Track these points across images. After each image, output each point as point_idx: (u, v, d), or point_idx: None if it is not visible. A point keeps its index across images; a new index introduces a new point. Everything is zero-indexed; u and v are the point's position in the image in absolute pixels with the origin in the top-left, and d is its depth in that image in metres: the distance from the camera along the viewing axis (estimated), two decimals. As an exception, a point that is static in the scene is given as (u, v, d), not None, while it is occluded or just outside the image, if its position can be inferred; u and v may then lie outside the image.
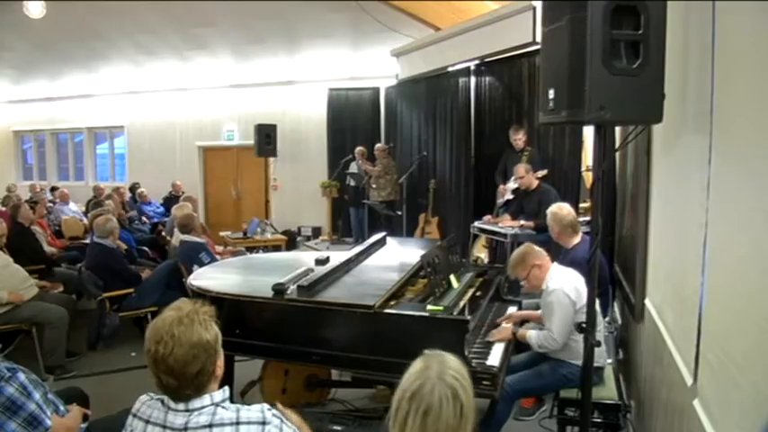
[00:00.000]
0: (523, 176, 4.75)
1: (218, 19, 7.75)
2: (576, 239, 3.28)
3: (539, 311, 2.97)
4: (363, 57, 8.31)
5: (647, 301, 2.66)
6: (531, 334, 2.70)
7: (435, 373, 1.25)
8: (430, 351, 1.32)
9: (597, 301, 2.66)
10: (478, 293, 2.93)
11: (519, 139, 5.42)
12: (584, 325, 2.11)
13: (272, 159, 8.68)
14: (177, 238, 4.85)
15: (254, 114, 9.12)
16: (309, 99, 9.08)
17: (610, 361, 2.98)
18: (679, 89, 1.96)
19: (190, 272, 3.88)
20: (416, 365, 1.28)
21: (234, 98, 9.54)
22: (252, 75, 9.09)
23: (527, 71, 5.67)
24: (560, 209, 3.33)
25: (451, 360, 1.30)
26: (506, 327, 2.82)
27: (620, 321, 3.63)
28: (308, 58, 8.53)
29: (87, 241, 5.80)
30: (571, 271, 2.73)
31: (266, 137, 8.04)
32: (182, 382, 1.35)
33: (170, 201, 8.74)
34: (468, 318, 2.41)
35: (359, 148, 7.76)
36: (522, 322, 3.01)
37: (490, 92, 6.26)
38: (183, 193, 8.96)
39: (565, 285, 2.62)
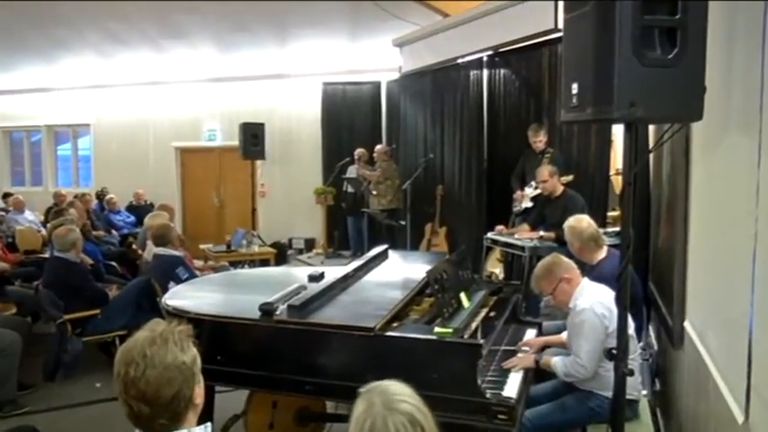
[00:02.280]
0: (547, 180, 4.75)
1: (199, 4, 7.82)
2: (601, 254, 3.29)
3: (562, 335, 2.95)
4: (362, 47, 8.36)
5: (686, 324, 2.64)
6: (557, 361, 2.69)
7: (381, 406, 1.26)
8: (365, 386, 1.33)
9: (632, 325, 2.66)
10: (492, 314, 2.93)
11: (539, 141, 5.43)
12: (614, 351, 2.09)
13: (259, 162, 8.71)
14: (150, 251, 4.85)
15: (238, 112, 9.16)
16: (302, 95, 9.13)
17: (645, 393, 2.96)
18: (722, 82, 1.97)
19: (165, 290, 3.88)
20: (359, 407, 1.29)
21: (216, 93, 9.59)
22: (236, 67, 9.15)
23: (547, 62, 5.69)
24: (578, 221, 3.34)
25: (393, 386, 1.32)
26: (527, 354, 2.80)
27: (656, 347, 3.61)
28: (299, 49, 8.59)
29: (46, 255, 5.81)
30: (603, 288, 2.72)
31: (253, 137, 8.08)
32: (155, 409, 1.35)
33: (135, 211, 8.77)
34: (481, 341, 2.39)
35: (358, 150, 7.78)
36: (543, 349, 3.00)
37: (505, 86, 6.29)
38: (146, 201, 8.99)
39: (596, 304, 2.62)
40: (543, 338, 3.06)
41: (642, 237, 3.97)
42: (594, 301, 2.63)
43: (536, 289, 2.87)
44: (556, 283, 2.75)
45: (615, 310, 2.46)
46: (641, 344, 3.27)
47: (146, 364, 1.35)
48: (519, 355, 2.82)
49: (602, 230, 3.55)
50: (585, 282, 2.80)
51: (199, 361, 1.43)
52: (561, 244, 4.32)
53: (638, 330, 3.19)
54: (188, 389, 1.38)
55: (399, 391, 1.30)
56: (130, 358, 1.36)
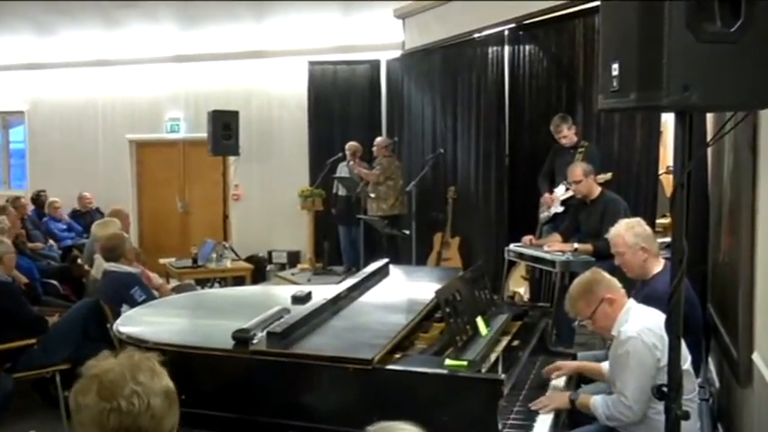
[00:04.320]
0: (581, 181, 4.77)
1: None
2: (658, 267, 3.29)
3: (603, 364, 2.95)
4: (357, 19, 8.40)
5: (755, 356, 2.64)
6: (597, 401, 2.69)
7: None
8: (371, 428, 1.37)
9: (688, 358, 2.66)
10: (516, 343, 2.94)
11: (563, 136, 5.44)
12: (665, 389, 2.10)
13: (232, 159, 8.72)
14: (99, 267, 4.85)
15: (207, 97, 9.17)
16: (284, 77, 9.15)
17: (704, 440, 2.96)
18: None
19: (117, 314, 3.87)
20: None
21: (180, 75, 9.61)
22: (205, 44, 9.18)
23: (582, 37, 5.72)
24: (630, 227, 3.34)
25: (398, 428, 1.36)
26: (559, 392, 2.80)
27: (717, 384, 3.60)
28: (281, 23, 8.62)
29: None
30: (654, 312, 2.72)
31: (224, 128, 8.09)
32: None
33: (80, 218, 8.76)
34: (503, 377, 2.40)
35: (352, 144, 7.80)
36: (579, 382, 3.00)
37: (531, 66, 6.31)
38: (92, 207, 8.99)
39: (645, 332, 2.61)
40: (577, 363, 3.05)
41: (698, 249, 3.97)
42: (643, 327, 2.63)
43: (571, 312, 2.87)
44: (596, 305, 2.75)
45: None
46: (699, 380, 3.27)
47: (147, 393, 1.40)
48: (549, 392, 2.82)
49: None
50: (632, 303, 2.80)
51: None
52: (599, 258, 4.34)
53: (696, 364, 3.19)
54: (177, 423, 1.46)
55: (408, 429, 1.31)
56: (119, 390, 1.39)
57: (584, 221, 4.88)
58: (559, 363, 3.00)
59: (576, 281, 2.87)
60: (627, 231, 3.30)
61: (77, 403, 1.42)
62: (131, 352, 1.51)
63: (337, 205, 8.02)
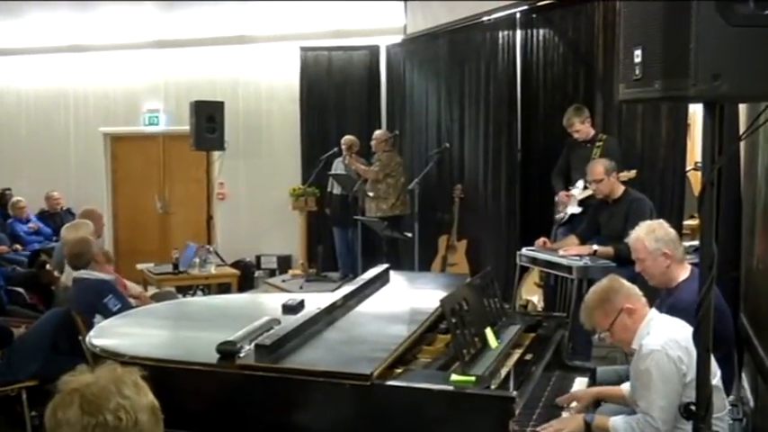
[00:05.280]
0: (602, 179, 4.77)
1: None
2: (684, 273, 3.28)
3: (623, 386, 2.95)
4: (354, 1, 8.41)
5: (791, 371, 2.64)
6: (617, 422, 2.68)
7: None
8: None
9: (717, 373, 2.66)
10: (529, 357, 2.93)
11: (577, 130, 5.45)
12: (692, 407, 2.10)
13: (216, 154, 8.71)
14: (70, 274, 4.85)
15: (189, 87, 9.18)
16: (273, 64, 9.16)
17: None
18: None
19: (90, 326, 3.87)
20: None
21: (159, 62, 9.61)
22: (187, 28, 9.18)
23: (602, 21, 5.73)
24: (652, 230, 3.34)
25: None
26: (573, 414, 2.80)
27: (751, 402, 3.61)
28: (270, 5, 8.63)
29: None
30: (678, 322, 2.73)
31: (209, 120, 8.09)
32: None
33: (49, 220, 8.74)
34: (514, 394, 2.40)
35: (348, 138, 7.80)
36: (597, 403, 2.99)
37: (545, 52, 6.32)
38: (61, 207, 8.97)
39: (670, 344, 2.61)
40: (596, 389, 3.05)
41: (730, 254, 3.97)
42: (668, 339, 2.63)
43: (587, 323, 2.87)
44: (614, 316, 2.75)
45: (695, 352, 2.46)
46: (731, 398, 3.27)
47: (134, 408, 1.42)
48: (564, 413, 2.81)
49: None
50: (654, 314, 2.80)
51: None
52: (620, 263, 4.34)
53: (728, 380, 3.19)
54: None
55: None
56: (105, 404, 1.41)
57: (604, 223, 4.88)
58: (577, 392, 2.98)
59: (592, 289, 2.87)
60: (647, 235, 3.29)
61: (56, 420, 1.43)
62: (112, 365, 1.53)
63: (332, 205, 8.02)
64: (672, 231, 3.31)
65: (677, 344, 2.61)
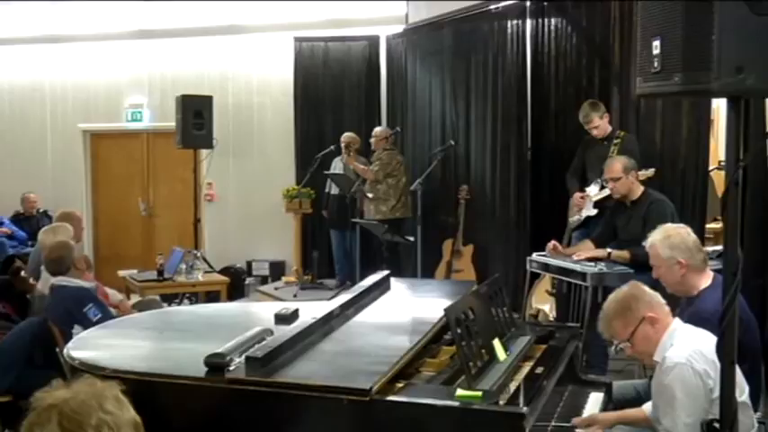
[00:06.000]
0: (620, 178, 4.76)
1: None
2: (705, 281, 3.28)
3: (645, 407, 2.94)
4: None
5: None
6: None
7: None
8: None
9: (746, 389, 2.65)
10: (540, 370, 2.91)
11: (595, 126, 5.46)
12: (716, 425, 2.09)
13: (204, 153, 8.69)
14: (47, 281, 4.85)
15: (175, 81, 9.18)
16: (266, 56, 9.16)
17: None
18: None
19: (68, 337, 3.86)
20: None
21: (143, 54, 9.61)
22: (172, 17, 9.18)
23: (618, 10, 5.74)
24: (669, 233, 3.34)
25: None
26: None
27: (778, 418, 3.59)
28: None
29: None
30: (704, 333, 2.72)
31: (196, 116, 8.07)
32: None
33: (24, 223, 8.73)
34: (524, 410, 2.38)
35: (347, 135, 7.80)
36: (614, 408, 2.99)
37: (557, 44, 6.32)
38: (37, 210, 8.95)
39: (695, 356, 2.61)
40: (617, 414, 3.02)
41: (756, 259, 3.97)
42: (693, 351, 2.62)
43: (605, 333, 2.87)
44: (635, 325, 2.75)
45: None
46: (759, 415, 3.26)
47: (117, 424, 1.45)
48: (578, 431, 2.81)
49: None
50: (677, 324, 2.80)
51: None
52: (639, 269, 4.33)
53: (754, 395, 3.18)
54: None
55: None
56: (87, 418, 1.43)
57: (622, 227, 4.87)
58: (596, 416, 2.95)
59: (612, 296, 2.86)
60: (662, 242, 3.29)
61: None
62: (91, 379, 1.54)
63: (329, 207, 8.02)
64: (690, 238, 3.28)
65: (703, 356, 2.60)
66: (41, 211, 9.02)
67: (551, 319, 5.48)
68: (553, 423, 2.84)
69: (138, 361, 2.85)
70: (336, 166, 7.85)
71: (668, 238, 3.29)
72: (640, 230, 4.51)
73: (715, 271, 3.30)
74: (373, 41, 8.51)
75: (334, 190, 7.89)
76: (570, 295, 5.14)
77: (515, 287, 6.05)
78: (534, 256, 5.29)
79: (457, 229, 7.06)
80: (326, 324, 3.07)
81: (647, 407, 2.90)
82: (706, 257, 3.31)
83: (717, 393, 2.50)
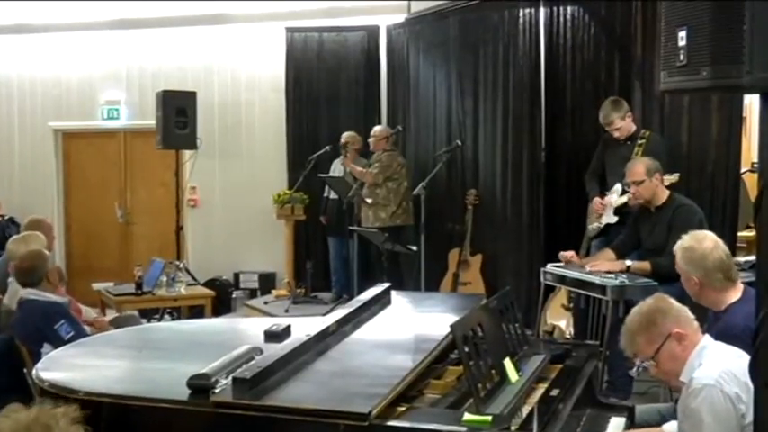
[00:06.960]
0: (643, 181, 4.77)
1: None
2: (734, 295, 3.29)
3: (666, 427, 2.94)
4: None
5: None
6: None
7: None
8: None
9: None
10: (555, 392, 2.92)
11: (616, 128, 5.45)
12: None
13: (188, 154, 8.73)
14: (15, 295, 4.85)
15: (155, 74, 9.20)
16: (255, 48, 9.17)
17: None
18: None
19: (37, 356, 3.85)
20: None
21: (120, 46, 9.62)
22: (152, 5, 9.19)
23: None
24: (697, 240, 3.36)
25: None
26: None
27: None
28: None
29: None
30: (735, 352, 2.72)
31: (178, 114, 8.09)
32: None
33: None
34: (540, 437, 2.39)
35: (346, 135, 7.80)
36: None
37: (575, 35, 6.34)
38: (2, 216, 8.92)
39: (725, 378, 2.61)
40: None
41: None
42: (723, 371, 2.63)
43: (628, 350, 2.87)
44: (660, 342, 2.75)
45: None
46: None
47: None
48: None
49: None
50: (707, 341, 2.80)
51: None
52: (663, 280, 4.33)
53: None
54: None
55: None
56: None
57: (646, 235, 4.86)
58: None
59: (636, 309, 2.86)
60: (683, 252, 3.34)
61: None
62: (47, 403, 1.55)
63: (325, 213, 8.01)
64: (713, 255, 3.28)
65: (735, 378, 2.60)
66: (7, 218, 8.98)
67: (568, 336, 5.48)
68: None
69: (113, 383, 2.86)
70: (336, 169, 7.86)
71: (689, 251, 3.33)
72: (665, 239, 4.52)
73: (746, 283, 3.30)
74: (372, 32, 8.51)
75: (331, 195, 7.89)
76: (589, 310, 5.13)
77: (528, 301, 6.05)
78: (549, 267, 5.28)
79: (464, 238, 7.06)
80: (321, 342, 3.08)
81: (669, 427, 2.89)
82: (730, 275, 3.29)
83: (749, 419, 2.51)
